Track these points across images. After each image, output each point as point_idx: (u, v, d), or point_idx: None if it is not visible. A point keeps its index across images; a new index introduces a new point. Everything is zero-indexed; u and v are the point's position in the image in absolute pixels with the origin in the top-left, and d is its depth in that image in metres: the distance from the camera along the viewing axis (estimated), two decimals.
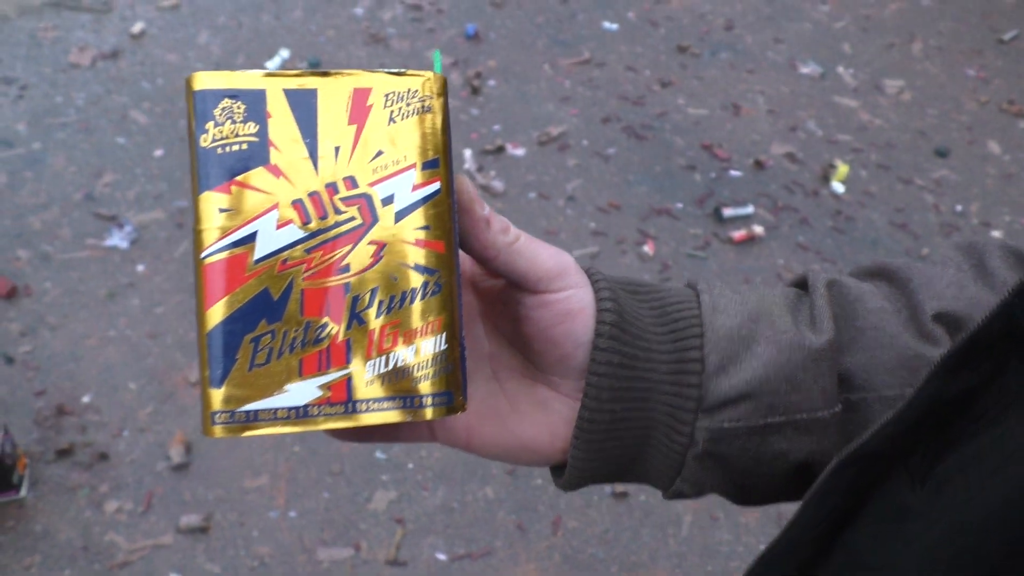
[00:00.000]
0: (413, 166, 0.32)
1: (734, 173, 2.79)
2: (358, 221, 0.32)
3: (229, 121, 0.31)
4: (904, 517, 0.29)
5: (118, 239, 2.29)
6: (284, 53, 3.10)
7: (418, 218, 0.32)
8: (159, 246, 2.29)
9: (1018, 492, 0.25)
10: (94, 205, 2.41)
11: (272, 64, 3.04)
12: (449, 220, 0.33)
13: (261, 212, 0.31)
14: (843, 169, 2.78)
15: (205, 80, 0.31)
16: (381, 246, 0.32)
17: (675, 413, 0.36)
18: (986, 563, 0.26)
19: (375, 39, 3.25)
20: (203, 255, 0.31)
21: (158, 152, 2.62)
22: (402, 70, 0.33)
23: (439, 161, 0.33)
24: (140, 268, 2.22)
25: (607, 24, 3.57)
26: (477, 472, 1.81)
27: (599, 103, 3.06)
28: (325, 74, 0.32)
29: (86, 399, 1.90)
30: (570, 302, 0.35)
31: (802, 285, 0.41)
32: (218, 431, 0.31)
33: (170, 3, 3.39)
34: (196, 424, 1.87)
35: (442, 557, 1.67)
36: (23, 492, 1.70)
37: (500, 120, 2.90)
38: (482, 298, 0.39)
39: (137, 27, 3.20)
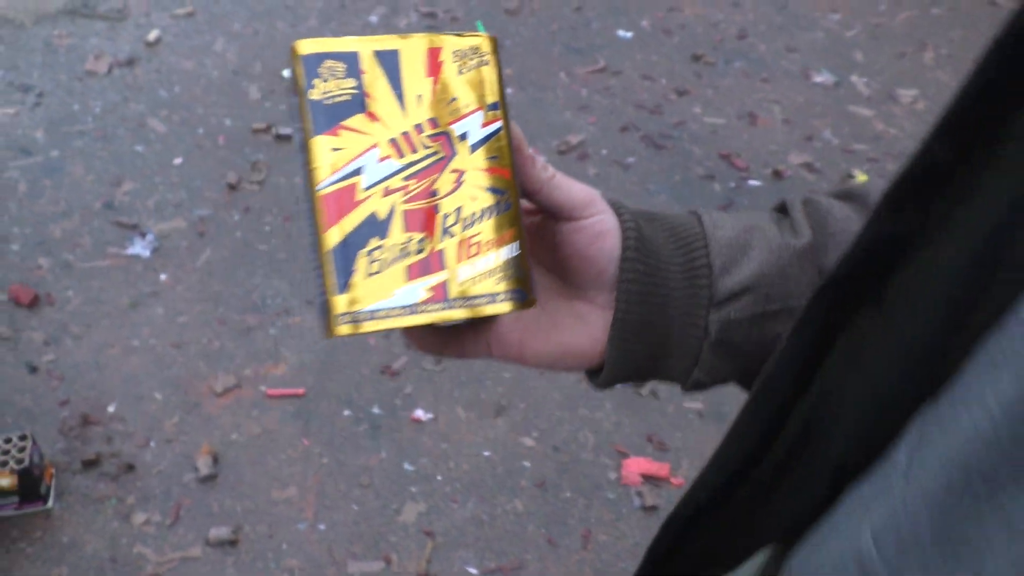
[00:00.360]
0: (480, 108, 0.40)
1: (753, 183, 2.79)
2: (441, 154, 0.39)
3: (332, 78, 0.37)
4: (862, 346, 0.35)
5: (140, 248, 2.28)
6: None
7: (487, 150, 0.40)
8: (181, 255, 2.28)
9: (940, 308, 0.31)
10: (114, 214, 2.40)
11: (289, 71, 3.03)
12: (509, 153, 0.40)
13: (364, 150, 0.37)
14: (862, 179, 2.77)
15: (309, 46, 0.37)
16: (461, 173, 0.39)
17: (691, 311, 0.44)
18: (923, 380, 0.31)
19: None
20: (318, 188, 0.37)
21: (177, 160, 2.61)
22: (461, 32, 0.40)
23: (499, 104, 0.40)
24: (162, 277, 2.21)
25: (621, 32, 3.57)
26: (506, 484, 1.81)
27: (616, 112, 3.06)
28: (404, 37, 0.38)
29: (111, 409, 1.89)
30: (600, 225, 0.43)
31: (781, 209, 0.50)
32: (343, 329, 0.37)
33: (185, 11, 3.39)
34: (222, 433, 1.86)
35: (473, 571, 1.66)
36: (50, 503, 1.69)
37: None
38: None
39: (152, 34, 3.20)
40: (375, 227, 0.38)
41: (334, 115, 0.37)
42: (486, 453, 1.86)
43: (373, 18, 3.43)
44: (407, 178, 0.38)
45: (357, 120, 0.37)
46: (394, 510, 1.74)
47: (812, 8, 3.97)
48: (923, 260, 0.33)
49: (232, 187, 2.51)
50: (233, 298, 2.17)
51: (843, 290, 0.36)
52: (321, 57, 0.37)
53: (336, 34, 3.30)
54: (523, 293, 0.41)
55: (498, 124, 0.40)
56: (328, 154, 0.37)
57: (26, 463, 1.60)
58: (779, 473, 0.40)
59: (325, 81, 0.37)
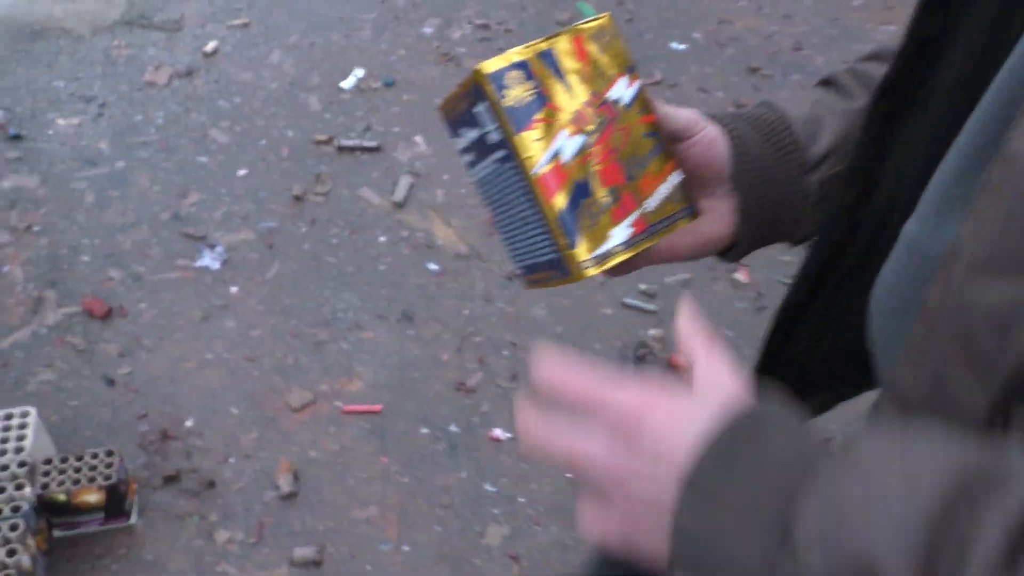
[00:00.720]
0: (623, 74, 0.48)
1: None
2: (608, 118, 0.47)
3: (516, 85, 0.44)
4: (916, 136, 0.45)
5: (209, 260, 2.27)
6: (359, 72, 3.09)
7: (637, 104, 0.49)
8: (250, 267, 2.27)
9: (958, 99, 0.42)
10: (181, 225, 2.40)
11: (348, 83, 3.03)
12: (649, 99, 0.50)
13: (557, 133, 0.46)
14: None
15: (491, 65, 0.45)
16: (626, 129, 0.48)
17: (790, 180, 0.55)
18: (944, 141, 0.43)
19: (446, 58, 3.24)
20: (533, 172, 0.46)
21: (241, 172, 2.61)
22: (588, 20, 0.49)
23: (634, 67, 0.49)
24: (233, 290, 2.20)
25: (675, 44, 3.54)
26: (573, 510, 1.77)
27: None
28: (552, 38, 0.47)
29: (188, 423, 1.87)
30: (709, 135, 0.54)
31: (827, 83, 0.60)
32: (589, 272, 0.48)
33: (240, 22, 3.40)
34: (301, 450, 1.83)
35: None
36: (133, 519, 1.67)
37: None
38: None
39: (210, 45, 3.21)
40: (582, 190, 0.47)
41: (527, 114, 0.45)
42: (568, 474, 1.83)
43: (427, 30, 3.42)
44: (592, 144, 0.47)
45: (544, 112, 0.46)
46: (477, 532, 1.71)
47: (865, 20, 3.92)
48: (947, 59, 0.43)
49: (297, 199, 2.50)
50: (304, 312, 2.16)
51: (894, 92, 0.46)
52: (502, 72, 0.45)
53: (391, 45, 3.30)
54: (693, 207, 0.53)
55: (639, 82, 0.49)
56: (533, 144, 0.46)
57: (113, 479, 1.59)
58: (866, 254, 0.49)
59: (511, 89, 0.45)
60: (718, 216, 0.55)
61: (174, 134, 2.76)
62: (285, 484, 1.75)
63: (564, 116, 0.46)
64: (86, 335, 2.06)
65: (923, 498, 0.31)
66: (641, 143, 0.49)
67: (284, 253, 2.32)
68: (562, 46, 0.46)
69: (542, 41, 0.46)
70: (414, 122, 2.84)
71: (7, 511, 1.50)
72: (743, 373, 0.40)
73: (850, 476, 0.33)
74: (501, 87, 0.44)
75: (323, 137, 2.75)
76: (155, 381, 1.96)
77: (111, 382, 1.94)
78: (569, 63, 0.46)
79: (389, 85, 3.04)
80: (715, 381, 0.39)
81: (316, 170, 2.63)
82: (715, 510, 0.35)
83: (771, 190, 0.55)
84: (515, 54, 0.45)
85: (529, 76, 0.45)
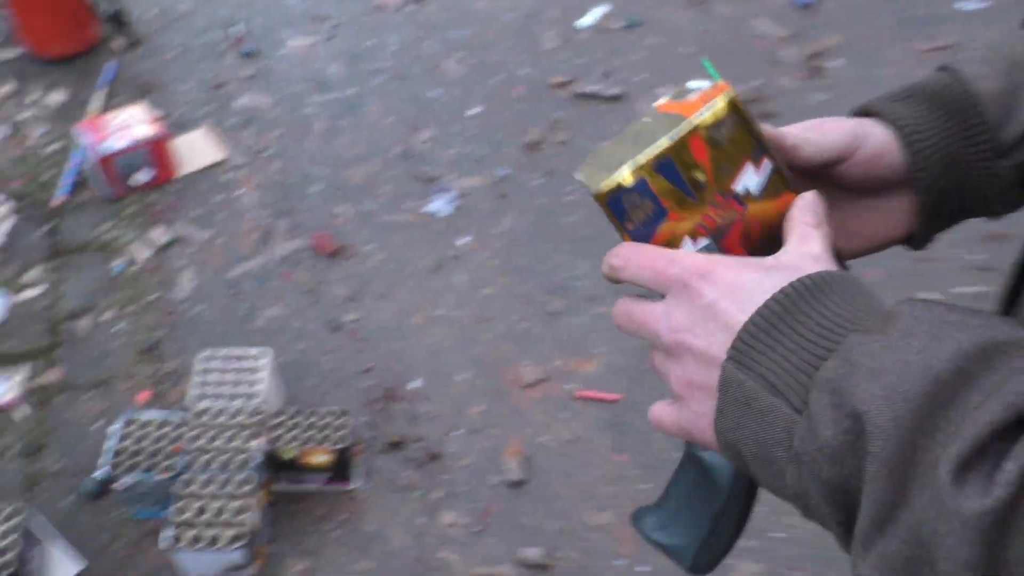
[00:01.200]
0: (748, 160, 0.45)
1: None
2: (737, 213, 0.45)
3: (635, 208, 0.44)
4: None
5: (440, 205, 2.12)
6: (601, 8, 2.81)
7: (769, 188, 0.45)
8: (483, 217, 2.10)
9: None
10: (412, 163, 2.26)
11: (587, 21, 2.76)
12: (787, 177, 0.46)
13: (680, 244, 0.44)
14: None
15: (608, 188, 0.43)
16: (756, 218, 0.45)
17: (979, 167, 0.48)
18: None
19: (695, 2, 2.89)
20: None
21: (473, 110, 2.43)
22: (703, 112, 0.44)
23: (760, 148, 0.45)
24: (465, 240, 2.04)
25: (965, 3, 3.00)
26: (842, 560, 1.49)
27: None
28: (671, 146, 0.43)
29: (414, 385, 1.75)
30: (873, 146, 0.48)
31: None
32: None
33: None
34: (531, 433, 1.66)
35: None
36: (356, 483, 1.57)
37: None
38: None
39: None
40: None
41: (648, 232, 0.44)
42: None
43: None
44: (719, 243, 0.45)
45: (666, 227, 0.44)
46: (727, 565, 1.48)
47: None
48: None
49: (532, 146, 2.30)
50: (537, 274, 1.97)
51: None
52: (619, 195, 0.43)
53: None
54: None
55: (768, 164, 0.45)
56: None
57: (343, 443, 1.48)
58: None
59: (630, 212, 0.43)
60: (895, 216, 0.50)
61: (406, 63, 2.61)
62: (513, 469, 1.59)
63: (686, 225, 0.44)
64: (314, 273, 1.97)
65: (939, 358, 0.31)
66: (778, 227, 0.45)
67: (518, 205, 2.13)
68: (679, 151, 0.44)
69: (659, 150, 0.43)
70: (659, 71, 2.55)
71: (237, 462, 1.43)
72: (831, 264, 0.40)
73: (876, 333, 0.34)
74: (621, 210, 0.43)
75: (560, 79, 2.51)
76: (381, 332, 1.84)
77: (337, 328, 1.85)
78: (688, 167, 0.44)
79: (634, 25, 2.75)
80: (795, 263, 0.39)
81: (552, 116, 2.41)
82: (753, 374, 0.36)
83: (956, 180, 0.48)
84: (631, 175, 0.43)
85: (647, 193, 0.44)
